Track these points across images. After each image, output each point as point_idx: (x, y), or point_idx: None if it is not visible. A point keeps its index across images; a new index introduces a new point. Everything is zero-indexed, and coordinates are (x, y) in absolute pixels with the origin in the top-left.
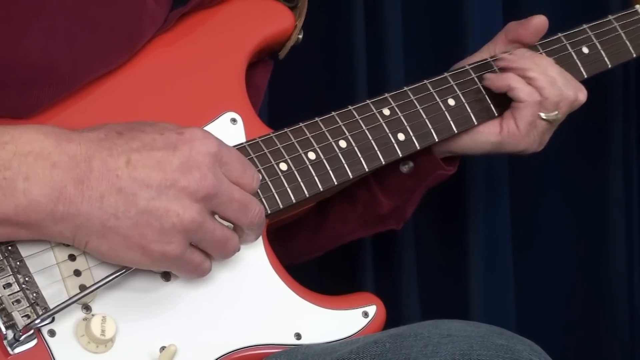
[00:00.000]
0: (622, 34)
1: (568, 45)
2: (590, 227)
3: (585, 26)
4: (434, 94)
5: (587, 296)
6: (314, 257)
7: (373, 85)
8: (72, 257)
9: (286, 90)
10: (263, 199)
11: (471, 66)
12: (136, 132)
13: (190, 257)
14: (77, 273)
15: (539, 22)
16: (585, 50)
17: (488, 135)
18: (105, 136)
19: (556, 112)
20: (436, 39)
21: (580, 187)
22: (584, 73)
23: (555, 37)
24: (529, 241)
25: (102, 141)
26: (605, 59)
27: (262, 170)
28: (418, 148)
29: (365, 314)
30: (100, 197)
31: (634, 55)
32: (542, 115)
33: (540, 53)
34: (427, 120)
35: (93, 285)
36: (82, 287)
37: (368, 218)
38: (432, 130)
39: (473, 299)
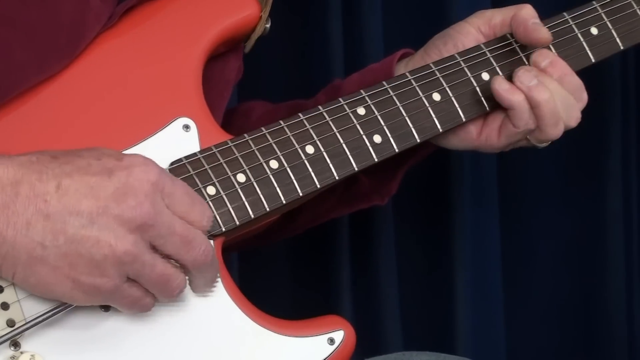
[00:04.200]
0: (638, 10)
1: (574, 27)
2: (586, 245)
3: (595, 4)
4: (417, 88)
5: (582, 319)
6: (292, 235)
7: None
8: None
9: (257, 91)
10: (217, 215)
11: (463, 57)
12: (71, 157)
13: (128, 291)
14: (5, 306)
15: (543, 39)
16: (594, 31)
17: (464, 139)
18: (37, 159)
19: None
20: (419, 35)
21: (575, 202)
22: (592, 57)
23: (560, 17)
24: (520, 259)
25: (32, 164)
26: (617, 40)
27: (216, 183)
28: (396, 151)
29: (331, 341)
30: (26, 224)
31: None
32: (530, 139)
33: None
34: (407, 119)
35: (23, 325)
36: (10, 322)
37: (349, 196)
38: (413, 130)
39: (459, 320)
